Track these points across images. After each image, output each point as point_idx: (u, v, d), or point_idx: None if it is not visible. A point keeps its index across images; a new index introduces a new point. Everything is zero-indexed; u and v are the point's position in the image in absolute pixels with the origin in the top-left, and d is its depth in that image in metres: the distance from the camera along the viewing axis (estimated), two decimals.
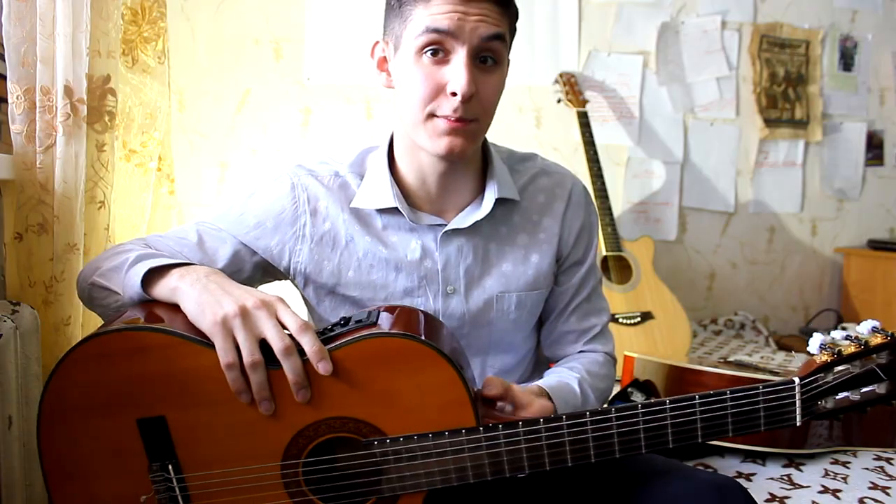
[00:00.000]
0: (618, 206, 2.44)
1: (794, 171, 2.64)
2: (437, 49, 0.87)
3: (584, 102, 2.26)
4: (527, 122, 2.39)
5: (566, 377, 0.99)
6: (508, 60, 0.94)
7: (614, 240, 2.14)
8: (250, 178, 2.22)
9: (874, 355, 0.75)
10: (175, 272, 0.83)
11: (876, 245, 2.64)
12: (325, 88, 2.25)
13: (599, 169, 2.18)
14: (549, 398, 0.91)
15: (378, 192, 0.97)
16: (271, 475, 0.78)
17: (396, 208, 0.96)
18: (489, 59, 0.88)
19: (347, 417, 0.77)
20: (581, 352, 1.08)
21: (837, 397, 0.76)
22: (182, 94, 2.17)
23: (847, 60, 2.66)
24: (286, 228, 0.98)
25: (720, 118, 2.54)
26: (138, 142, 1.55)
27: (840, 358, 0.75)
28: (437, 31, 0.85)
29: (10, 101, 1.16)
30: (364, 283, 0.98)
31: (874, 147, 2.73)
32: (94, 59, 1.20)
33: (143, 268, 0.84)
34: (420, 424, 0.77)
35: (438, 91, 0.88)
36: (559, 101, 2.30)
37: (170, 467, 0.77)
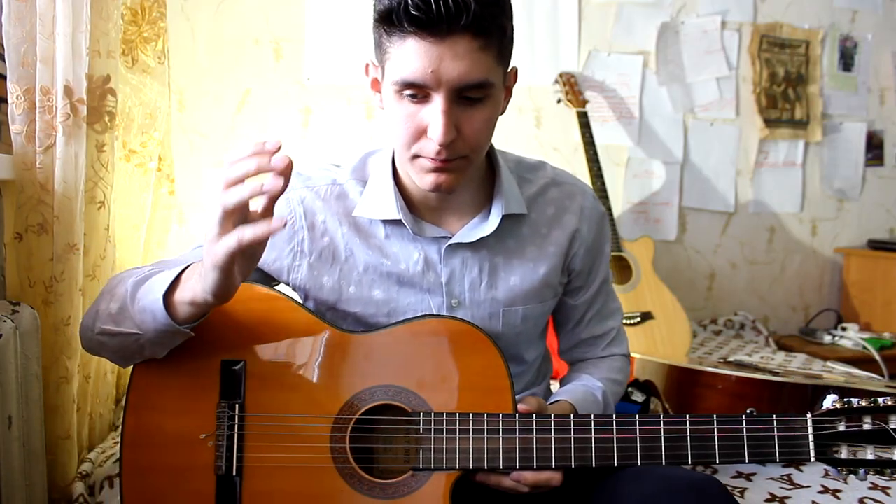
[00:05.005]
0: (618, 206, 2.44)
1: (794, 171, 2.64)
2: (415, 93, 0.82)
3: (584, 102, 2.26)
4: (527, 122, 2.38)
5: (592, 387, 1.03)
6: (506, 83, 0.90)
7: (614, 240, 2.14)
8: None
9: (886, 415, 0.82)
10: (179, 289, 0.79)
11: (876, 245, 2.63)
12: (325, 88, 2.25)
13: (599, 169, 2.18)
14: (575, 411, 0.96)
15: (381, 202, 0.95)
16: (322, 427, 0.86)
17: (400, 219, 0.94)
18: (473, 97, 0.83)
19: (402, 387, 0.86)
20: (601, 357, 1.11)
21: (850, 448, 0.82)
22: (182, 94, 2.17)
23: (847, 60, 2.66)
24: (283, 245, 0.96)
25: (720, 118, 2.54)
26: (138, 142, 1.55)
27: (850, 408, 0.82)
28: (411, 84, 0.81)
29: (10, 101, 1.16)
30: (365, 300, 0.96)
31: (874, 147, 2.73)
32: (94, 59, 1.20)
33: (151, 291, 0.79)
34: (463, 404, 0.86)
35: (420, 133, 0.84)
36: (559, 101, 2.30)
37: (236, 407, 0.86)
